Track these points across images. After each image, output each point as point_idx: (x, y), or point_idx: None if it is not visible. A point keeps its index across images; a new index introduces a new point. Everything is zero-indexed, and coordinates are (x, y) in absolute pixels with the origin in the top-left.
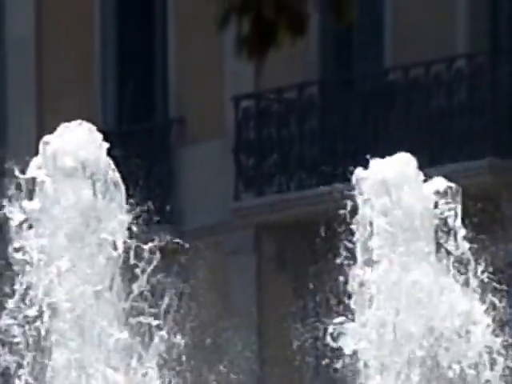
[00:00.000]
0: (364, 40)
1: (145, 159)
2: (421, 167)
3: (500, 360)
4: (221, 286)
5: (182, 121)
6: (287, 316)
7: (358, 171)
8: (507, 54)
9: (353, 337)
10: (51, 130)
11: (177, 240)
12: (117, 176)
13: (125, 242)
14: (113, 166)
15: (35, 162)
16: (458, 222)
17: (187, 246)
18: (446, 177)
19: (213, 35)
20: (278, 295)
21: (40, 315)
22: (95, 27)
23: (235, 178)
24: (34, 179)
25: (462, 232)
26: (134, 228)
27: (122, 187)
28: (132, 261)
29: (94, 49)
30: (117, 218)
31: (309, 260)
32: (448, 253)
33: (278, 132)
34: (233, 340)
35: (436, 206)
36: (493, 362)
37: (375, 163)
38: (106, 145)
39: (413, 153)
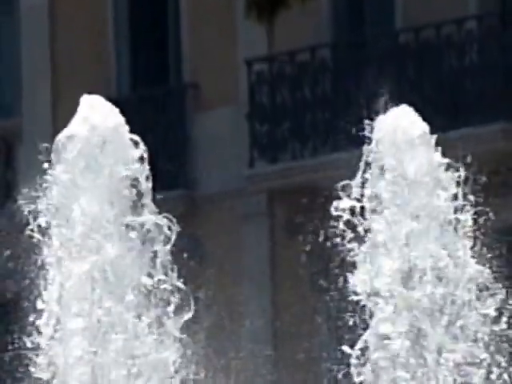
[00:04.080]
0: (375, 2)
1: (160, 124)
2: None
3: None
4: (234, 249)
5: (196, 86)
6: (299, 279)
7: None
8: None
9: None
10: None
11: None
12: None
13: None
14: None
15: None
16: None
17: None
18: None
19: None
20: (290, 259)
21: None
22: None
23: (250, 145)
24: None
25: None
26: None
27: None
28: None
29: (107, 15)
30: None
31: (321, 225)
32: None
33: (291, 96)
34: (246, 302)
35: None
36: None
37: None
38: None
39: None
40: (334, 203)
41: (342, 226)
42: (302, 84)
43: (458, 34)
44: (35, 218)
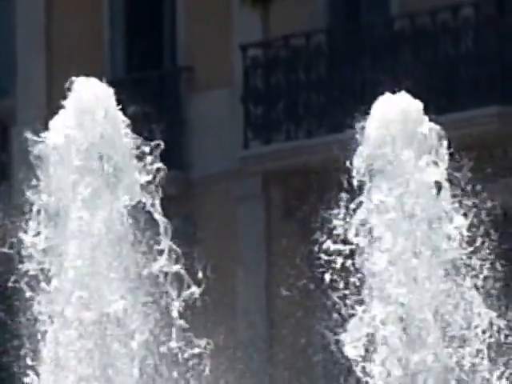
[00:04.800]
0: None
1: (154, 107)
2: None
3: None
4: (229, 232)
5: (191, 69)
6: (295, 262)
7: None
8: None
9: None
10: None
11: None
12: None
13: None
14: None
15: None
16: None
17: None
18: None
19: None
20: (285, 242)
21: None
22: None
23: (244, 126)
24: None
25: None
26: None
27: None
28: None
29: None
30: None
31: (316, 207)
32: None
33: (286, 79)
34: (241, 284)
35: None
36: None
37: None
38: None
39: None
40: (320, 245)
41: (328, 276)
42: (297, 68)
43: (454, 21)
44: (21, 262)
